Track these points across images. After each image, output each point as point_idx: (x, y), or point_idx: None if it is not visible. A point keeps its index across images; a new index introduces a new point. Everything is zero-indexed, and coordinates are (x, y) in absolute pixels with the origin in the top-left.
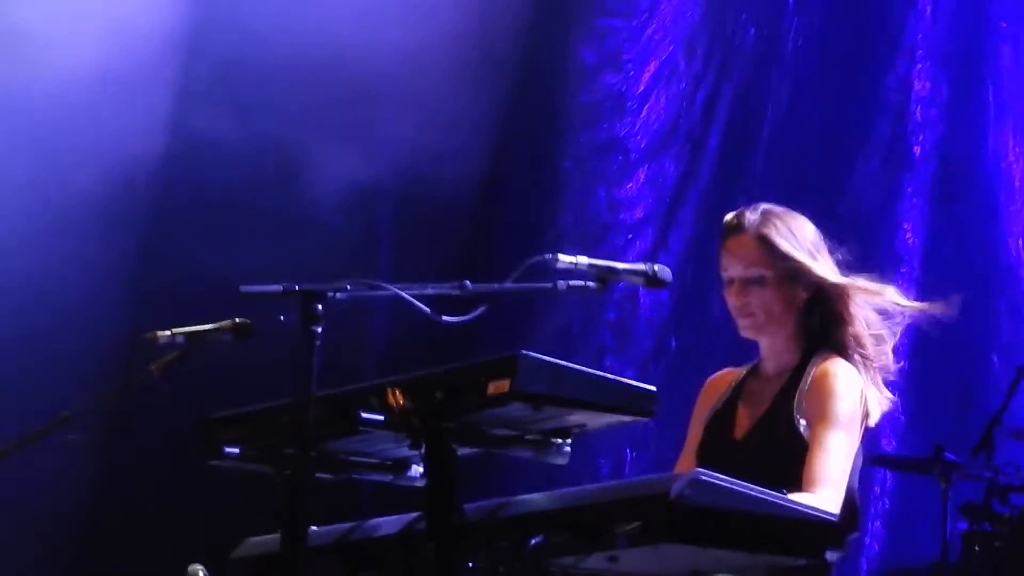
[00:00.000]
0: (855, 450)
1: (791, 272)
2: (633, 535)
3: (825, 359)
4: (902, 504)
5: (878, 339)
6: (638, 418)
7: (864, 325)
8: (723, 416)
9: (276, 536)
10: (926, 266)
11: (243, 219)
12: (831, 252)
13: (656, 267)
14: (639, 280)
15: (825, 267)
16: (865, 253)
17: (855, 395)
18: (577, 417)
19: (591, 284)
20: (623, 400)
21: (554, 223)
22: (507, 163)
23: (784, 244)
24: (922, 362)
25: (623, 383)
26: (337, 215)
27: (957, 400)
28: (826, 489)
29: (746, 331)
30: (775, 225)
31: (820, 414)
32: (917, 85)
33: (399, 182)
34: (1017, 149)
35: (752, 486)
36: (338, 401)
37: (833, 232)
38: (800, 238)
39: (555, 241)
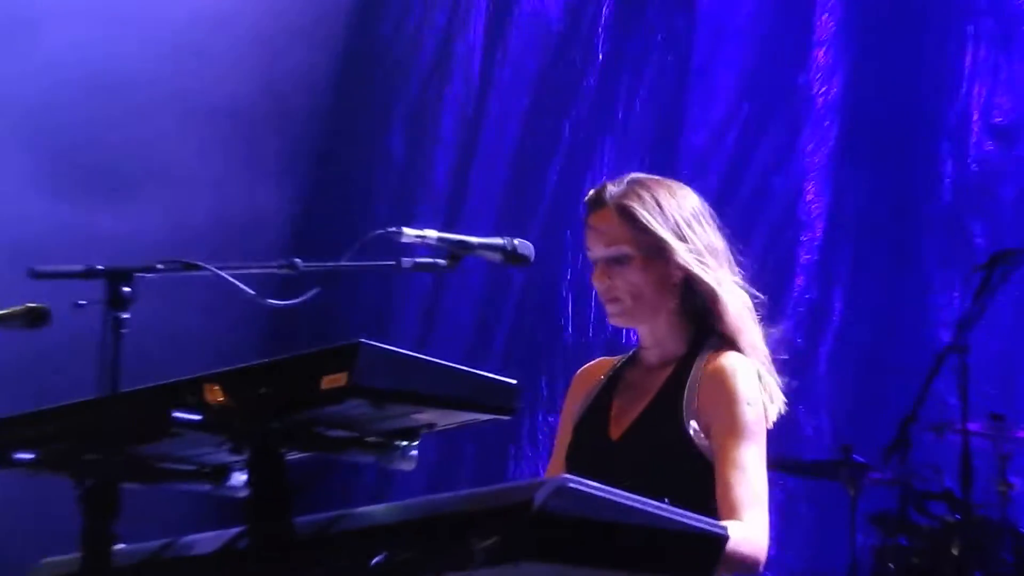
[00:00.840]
0: (765, 464)
1: (656, 249)
2: (491, 552)
3: (718, 352)
4: (802, 515)
5: (756, 331)
6: (496, 416)
7: (738, 317)
8: (596, 412)
9: (77, 556)
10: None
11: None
12: (718, 228)
13: (516, 241)
14: (496, 256)
15: (692, 248)
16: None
17: (758, 397)
18: (426, 416)
19: (441, 261)
20: (479, 395)
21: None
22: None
23: (646, 216)
24: (829, 350)
25: (478, 376)
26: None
27: (868, 393)
28: (754, 512)
29: (614, 318)
30: (639, 196)
31: (726, 425)
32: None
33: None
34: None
35: (629, 495)
36: (148, 398)
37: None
38: (668, 210)
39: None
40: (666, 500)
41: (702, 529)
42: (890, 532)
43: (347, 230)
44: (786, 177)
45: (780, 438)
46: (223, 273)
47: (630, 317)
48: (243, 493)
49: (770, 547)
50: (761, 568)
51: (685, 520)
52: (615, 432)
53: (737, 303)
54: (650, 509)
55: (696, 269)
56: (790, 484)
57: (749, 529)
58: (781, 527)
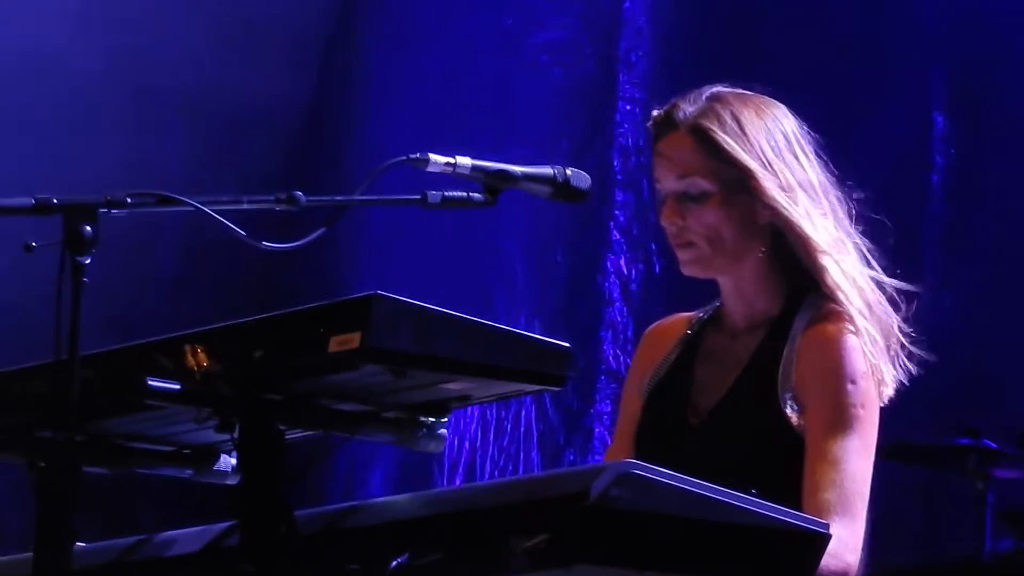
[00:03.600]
0: (872, 457)
1: (739, 183)
2: (537, 553)
3: (823, 313)
4: (913, 512)
5: (869, 290)
6: (544, 387)
7: (844, 271)
8: (671, 388)
9: (28, 556)
10: None
11: None
12: (822, 160)
13: (569, 171)
14: (544, 190)
15: (782, 181)
16: None
17: (867, 374)
18: (458, 385)
19: (476, 196)
20: (523, 361)
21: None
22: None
23: (727, 142)
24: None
25: (522, 337)
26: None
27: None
28: (845, 520)
29: (687, 267)
30: (719, 116)
31: (822, 408)
32: None
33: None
34: None
35: (708, 484)
36: (115, 362)
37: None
38: (753, 133)
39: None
40: (753, 491)
41: (799, 527)
42: None
43: (359, 156)
44: None
45: (889, 418)
46: (208, 209)
47: (707, 265)
48: (232, 480)
49: (871, 554)
50: None
51: (778, 516)
52: (697, 412)
53: (835, 246)
54: (734, 502)
55: (785, 208)
56: (898, 474)
57: (836, 541)
58: (887, 527)
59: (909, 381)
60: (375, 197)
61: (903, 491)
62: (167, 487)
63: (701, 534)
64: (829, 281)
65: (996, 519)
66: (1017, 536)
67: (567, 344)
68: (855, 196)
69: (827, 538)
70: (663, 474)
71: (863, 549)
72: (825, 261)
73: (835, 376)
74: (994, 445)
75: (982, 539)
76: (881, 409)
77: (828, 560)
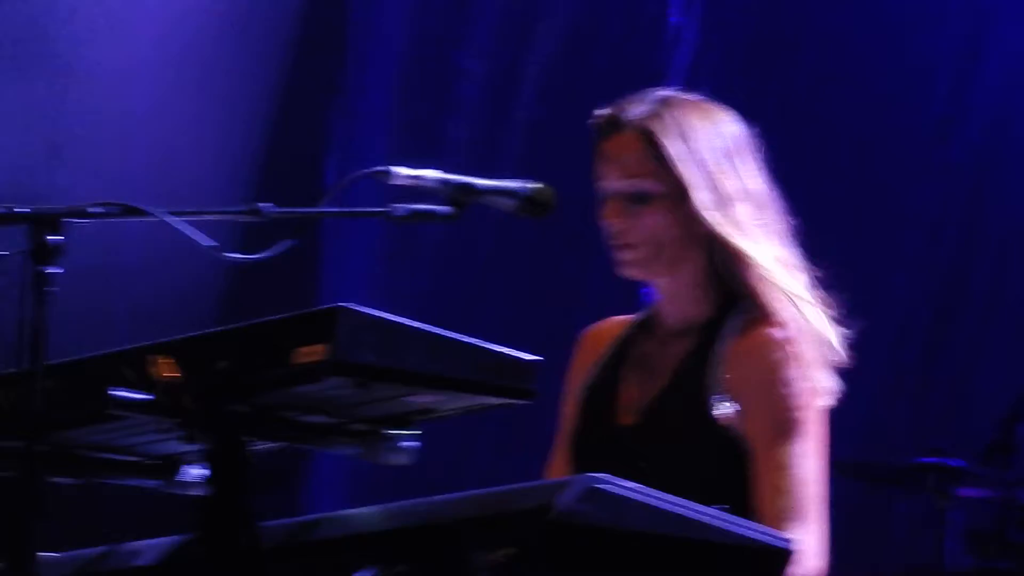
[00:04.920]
0: (821, 457)
1: (683, 190)
2: (501, 568)
3: (755, 319)
4: (874, 531)
5: (808, 301)
6: (512, 400)
7: (772, 281)
8: (603, 389)
9: None
10: None
11: None
12: (762, 167)
13: (533, 185)
14: (510, 203)
15: (719, 192)
16: None
17: (805, 378)
18: (423, 399)
19: (441, 209)
20: (490, 374)
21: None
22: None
23: (672, 149)
24: (895, 336)
25: (489, 350)
26: None
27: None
28: (802, 525)
29: (626, 268)
30: (665, 121)
31: (765, 414)
32: None
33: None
34: None
35: (674, 499)
36: (79, 372)
37: None
38: (699, 141)
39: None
40: (727, 507)
41: (764, 542)
42: (987, 554)
43: (322, 170)
44: None
45: (848, 435)
46: (173, 219)
47: (645, 268)
48: (197, 491)
49: (828, 570)
50: None
51: (743, 531)
52: (625, 417)
53: (769, 262)
54: (700, 518)
55: (717, 223)
56: (858, 493)
57: (798, 548)
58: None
59: (870, 397)
60: (341, 209)
61: (863, 510)
62: (131, 497)
63: (666, 550)
64: (762, 292)
65: (962, 538)
66: (978, 556)
67: (535, 357)
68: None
69: (790, 552)
70: (629, 488)
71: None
72: (759, 273)
73: (771, 382)
74: (958, 464)
75: (941, 558)
76: (843, 427)
77: (792, 569)
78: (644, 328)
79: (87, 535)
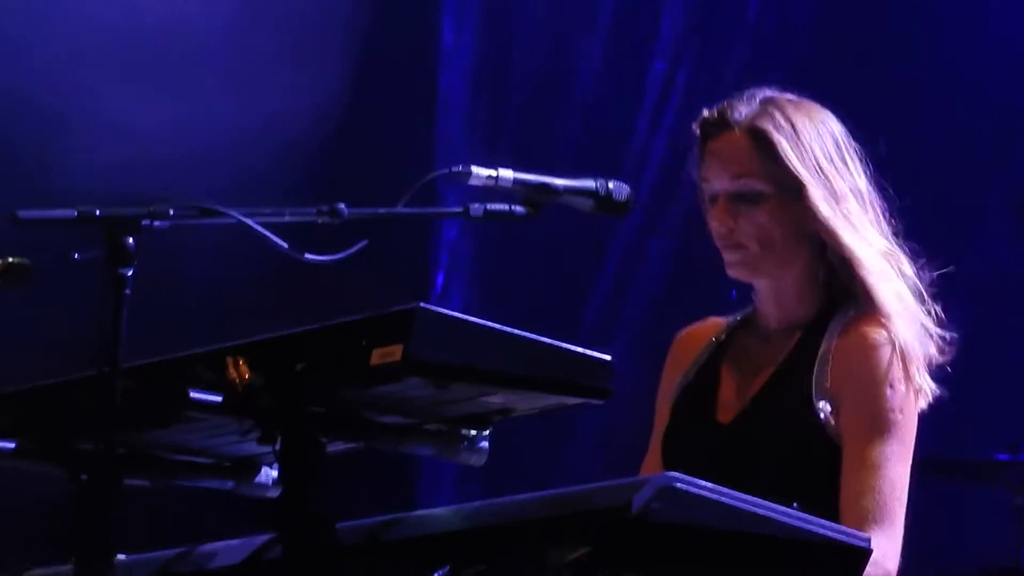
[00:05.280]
0: (909, 462)
1: (793, 188)
2: (578, 566)
3: (861, 318)
4: (951, 528)
5: (907, 300)
6: (587, 399)
7: (882, 279)
8: (700, 388)
9: (68, 568)
10: None
11: None
12: (865, 165)
13: (611, 184)
14: (586, 203)
15: (832, 190)
16: None
17: (907, 380)
18: (500, 399)
19: (518, 208)
20: (567, 374)
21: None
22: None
23: (784, 147)
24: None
25: (566, 350)
26: None
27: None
28: (884, 528)
29: (735, 269)
30: (775, 120)
31: (860, 413)
32: None
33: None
34: None
35: (750, 498)
36: (157, 374)
37: None
38: (809, 140)
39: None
40: (795, 504)
41: (841, 541)
42: None
43: (401, 169)
44: None
45: (923, 430)
46: (250, 221)
47: (754, 268)
48: (274, 492)
49: (902, 570)
50: None
51: (820, 530)
52: (725, 414)
53: (880, 263)
54: (776, 516)
55: (831, 220)
56: (934, 490)
57: (877, 549)
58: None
59: (949, 395)
60: (418, 209)
61: (939, 508)
62: (208, 499)
63: (742, 548)
64: (872, 291)
65: None
66: None
67: (608, 356)
68: (897, 204)
69: (868, 552)
70: (705, 487)
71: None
72: (869, 272)
73: (873, 381)
74: None
75: (1020, 558)
76: (919, 421)
77: (869, 569)
78: (745, 327)
79: (164, 536)
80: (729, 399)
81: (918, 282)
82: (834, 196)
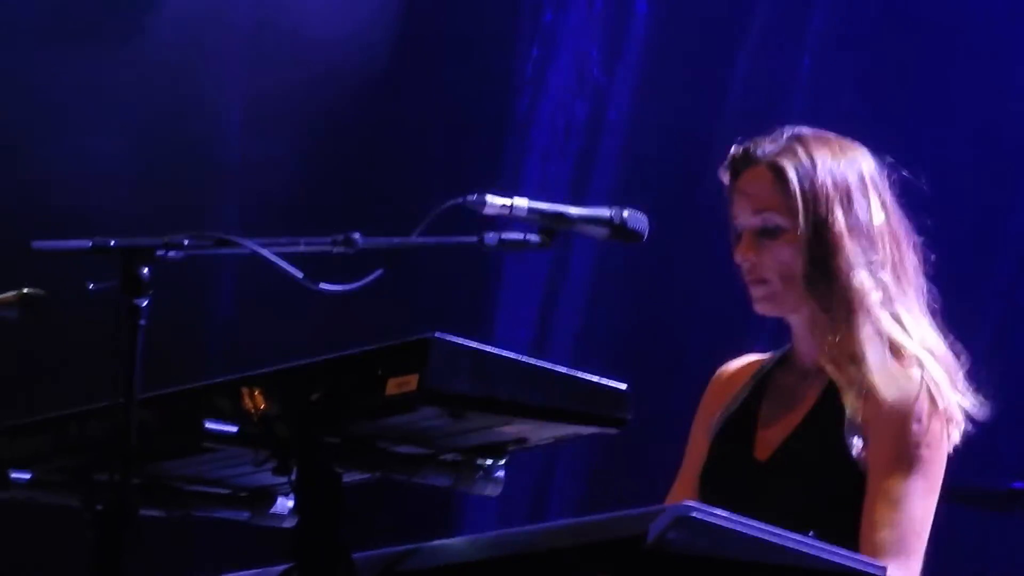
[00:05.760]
0: (935, 498)
1: (820, 223)
2: None
3: (896, 356)
4: (972, 558)
5: (927, 334)
6: (603, 428)
7: (892, 317)
8: (740, 425)
9: None
10: None
11: None
12: (896, 208)
13: (626, 213)
14: (602, 231)
15: (839, 225)
16: None
17: (936, 414)
18: (516, 428)
19: (532, 238)
20: (583, 403)
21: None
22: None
23: (804, 182)
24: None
25: (582, 380)
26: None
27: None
28: (900, 560)
29: (759, 305)
30: (799, 155)
31: (885, 446)
32: None
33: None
34: None
35: (765, 527)
36: (172, 405)
37: None
38: (824, 175)
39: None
40: (811, 533)
41: (856, 570)
42: None
43: (415, 199)
44: None
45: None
46: (264, 252)
47: (779, 303)
48: (289, 522)
49: None
50: None
51: (835, 559)
52: (763, 451)
53: (887, 301)
54: (791, 545)
55: (823, 260)
56: (955, 518)
57: None
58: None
59: (973, 424)
60: (433, 239)
61: (960, 536)
62: (223, 529)
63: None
64: (874, 319)
65: None
66: None
67: (624, 386)
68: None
69: None
70: (721, 516)
71: None
72: (862, 309)
73: (900, 415)
74: None
75: None
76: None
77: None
78: (783, 364)
79: (180, 567)
80: (767, 437)
81: (932, 321)
82: (840, 229)
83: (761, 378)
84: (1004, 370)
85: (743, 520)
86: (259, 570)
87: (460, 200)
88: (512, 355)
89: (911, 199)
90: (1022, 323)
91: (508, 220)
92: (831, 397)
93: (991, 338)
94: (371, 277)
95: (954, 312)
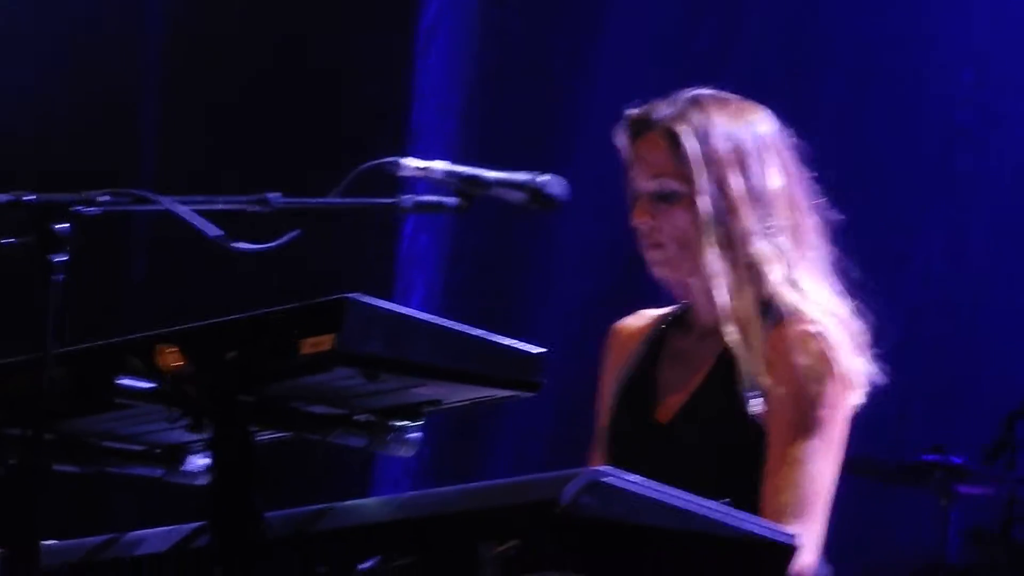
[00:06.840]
0: (837, 459)
1: (715, 189)
2: (506, 559)
3: (788, 315)
4: (878, 528)
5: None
6: (518, 392)
7: (786, 280)
8: (640, 389)
9: None
10: None
11: None
12: (800, 173)
13: (543, 177)
14: (519, 196)
15: (731, 191)
16: None
17: (835, 376)
18: (429, 390)
19: (449, 201)
20: (497, 367)
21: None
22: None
23: (695, 147)
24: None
25: (496, 343)
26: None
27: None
28: (802, 522)
29: (656, 268)
30: (695, 119)
31: (790, 408)
32: None
33: None
34: None
35: (680, 493)
36: (86, 360)
37: None
38: (718, 140)
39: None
40: (728, 500)
41: (767, 536)
42: (989, 551)
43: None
44: None
45: (852, 431)
46: (180, 209)
47: (675, 267)
48: (203, 480)
49: (829, 567)
50: None
51: (747, 526)
52: (664, 414)
53: (785, 264)
54: (703, 512)
55: (716, 225)
56: (862, 490)
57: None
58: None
59: (876, 395)
60: (350, 201)
61: (867, 507)
62: (136, 486)
63: (670, 543)
64: (773, 284)
65: (965, 536)
66: (981, 553)
67: (541, 349)
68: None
69: (794, 548)
70: (633, 482)
71: (822, 552)
72: (759, 274)
73: (800, 377)
74: (961, 461)
75: (944, 556)
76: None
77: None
78: (679, 324)
79: (92, 523)
80: (667, 398)
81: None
82: (728, 202)
83: (657, 339)
84: (917, 347)
85: (656, 486)
86: (171, 527)
87: (376, 162)
88: (427, 317)
89: (840, 179)
90: (936, 303)
91: (425, 183)
92: (729, 359)
93: (906, 317)
94: (286, 238)
95: (873, 290)
